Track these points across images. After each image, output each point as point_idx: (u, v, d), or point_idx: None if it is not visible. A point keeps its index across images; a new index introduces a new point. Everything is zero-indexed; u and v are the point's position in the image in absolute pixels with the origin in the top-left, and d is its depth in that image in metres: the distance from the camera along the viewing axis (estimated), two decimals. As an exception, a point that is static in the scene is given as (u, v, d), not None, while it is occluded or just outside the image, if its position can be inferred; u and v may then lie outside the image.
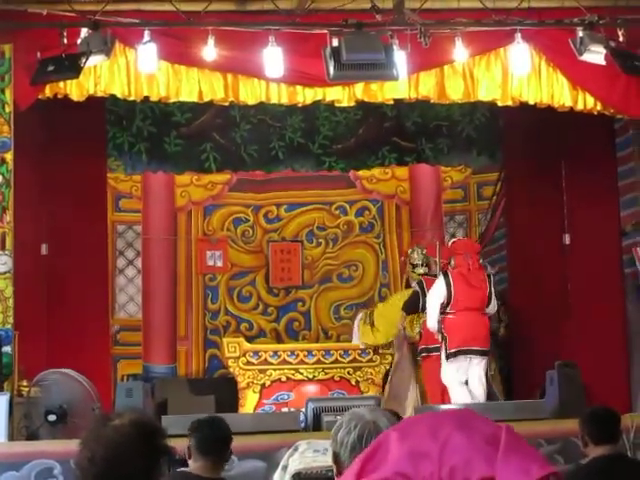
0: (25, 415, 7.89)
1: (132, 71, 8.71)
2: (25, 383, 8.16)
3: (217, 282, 12.31)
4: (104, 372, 10.21)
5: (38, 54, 8.36)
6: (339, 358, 11.08)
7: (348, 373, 11.04)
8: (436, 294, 9.43)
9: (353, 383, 11.02)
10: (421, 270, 10.62)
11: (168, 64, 8.81)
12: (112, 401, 8.92)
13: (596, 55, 8.57)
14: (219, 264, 12.32)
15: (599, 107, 9.31)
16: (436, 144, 11.72)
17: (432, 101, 9.47)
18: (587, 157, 10.23)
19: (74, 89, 8.68)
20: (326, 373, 11.01)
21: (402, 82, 8.88)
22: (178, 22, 8.62)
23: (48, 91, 8.66)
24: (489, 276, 9.59)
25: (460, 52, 8.84)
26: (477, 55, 9.10)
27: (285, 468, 3.84)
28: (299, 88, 9.11)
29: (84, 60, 8.12)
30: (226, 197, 12.50)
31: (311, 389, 10.86)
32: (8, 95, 8.55)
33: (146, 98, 9.09)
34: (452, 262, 9.56)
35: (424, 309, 9.69)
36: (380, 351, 11.03)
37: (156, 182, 12.21)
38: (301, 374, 10.99)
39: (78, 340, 9.73)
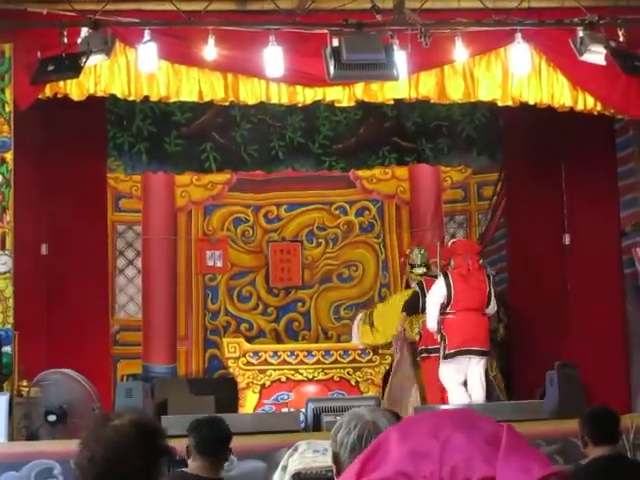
0: (25, 415, 7.89)
1: (132, 71, 8.71)
2: (25, 383, 8.15)
3: (217, 282, 12.30)
4: (104, 372, 10.21)
5: (38, 53, 8.35)
6: (339, 358, 11.08)
7: (348, 373, 11.04)
8: (436, 294, 9.42)
9: (353, 383, 11.01)
10: (420, 270, 10.62)
11: (168, 64, 8.81)
12: (112, 401, 8.91)
13: (596, 55, 8.56)
14: (219, 264, 12.31)
15: (599, 107, 9.31)
16: (436, 144, 11.71)
17: (432, 101, 9.47)
18: (587, 157, 10.23)
19: (74, 89, 8.67)
20: (326, 373, 11.01)
21: (402, 82, 8.88)
22: (178, 22, 8.62)
23: (48, 91, 8.66)
24: (489, 277, 9.58)
25: (460, 52, 8.83)
26: (477, 55, 9.10)
27: (285, 468, 3.83)
28: (299, 88, 9.11)
29: (84, 60, 8.11)
30: (226, 197, 12.49)
31: (311, 389, 10.86)
32: (8, 95, 8.54)
33: (146, 98, 9.09)
34: (452, 262, 9.55)
35: (424, 310, 9.68)
36: (380, 351, 11.03)
37: (156, 182, 12.20)
38: (301, 374, 10.99)
39: (78, 340, 9.73)
